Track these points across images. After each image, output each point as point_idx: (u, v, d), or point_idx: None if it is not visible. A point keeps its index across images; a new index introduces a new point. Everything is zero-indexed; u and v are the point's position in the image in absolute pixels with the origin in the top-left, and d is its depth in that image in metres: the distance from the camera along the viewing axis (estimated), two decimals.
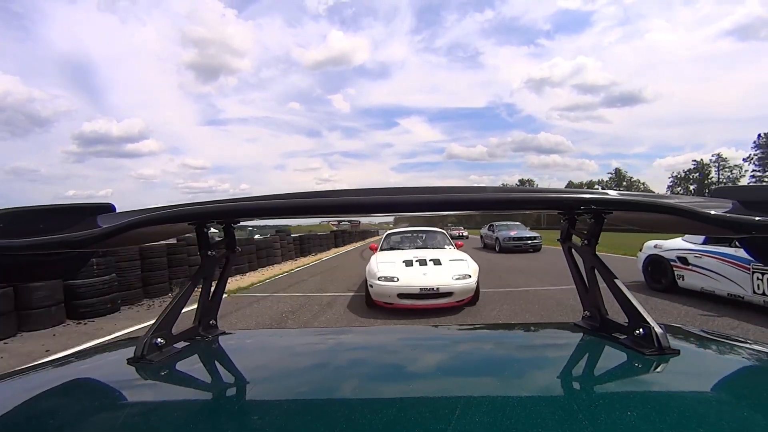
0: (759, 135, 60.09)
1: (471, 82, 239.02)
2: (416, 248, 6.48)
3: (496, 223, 17.01)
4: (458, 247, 6.88)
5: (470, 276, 4.99)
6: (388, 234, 7.36)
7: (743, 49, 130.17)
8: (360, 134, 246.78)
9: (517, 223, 16.91)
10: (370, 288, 5.12)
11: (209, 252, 0.69)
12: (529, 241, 14.46)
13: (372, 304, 5.17)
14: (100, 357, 0.71)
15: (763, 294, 4.37)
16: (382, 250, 6.60)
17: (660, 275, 5.94)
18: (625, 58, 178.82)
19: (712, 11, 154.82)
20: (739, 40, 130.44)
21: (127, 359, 0.57)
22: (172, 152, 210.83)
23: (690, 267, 5.40)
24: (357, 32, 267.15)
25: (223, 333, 0.75)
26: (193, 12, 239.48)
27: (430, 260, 5.35)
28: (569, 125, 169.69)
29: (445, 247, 6.65)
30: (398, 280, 4.90)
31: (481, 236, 18.85)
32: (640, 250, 6.44)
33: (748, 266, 4.54)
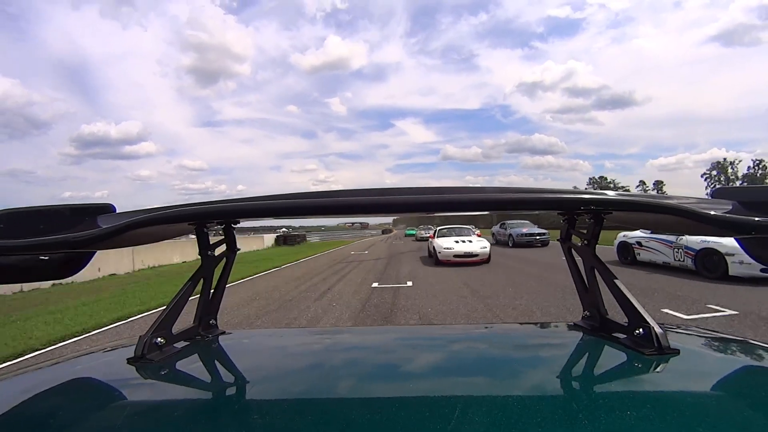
0: (590, 178, 74.72)
1: (466, 84, 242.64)
2: (456, 236, 12.22)
3: (508, 222, 19.85)
4: (479, 235, 13.00)
5: (486, 247, 11.09)
6: (438, 229, 13.48)
7: (729, 54, 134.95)
8: (356, 135, 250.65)
9: (527, 221, 19.55)
10: (438, 254, 11.06)
11: (209, 252, 0.69)
12: (539, 237, 17.32)
13: (438, 263, 11.01)
14: (101, 356, 0.72)
15: (679, 261, 7.85)
16: (437, 237, 12.38)
17: (626, 254, 9.52)
18: (615, 62, 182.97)
19: (697, 17, 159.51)
20: (724, 45, 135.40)
21: (128, 359, 0.57)
22: (169, 154, 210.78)
23: (643, 247, 8.91)
24: (353, 34, 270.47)
25: (223, 333, 0.76)
26: (193, 18, 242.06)
27: (467, 240, 11.48)
28: (562, 127, 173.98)
29: (472, 235, 12.56)
30: (453, 248, 10.89)
31: (493, 234, 21.42)
32: (615, 239, 9.96)
33: (671, 245, 8.01)
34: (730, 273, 6.67)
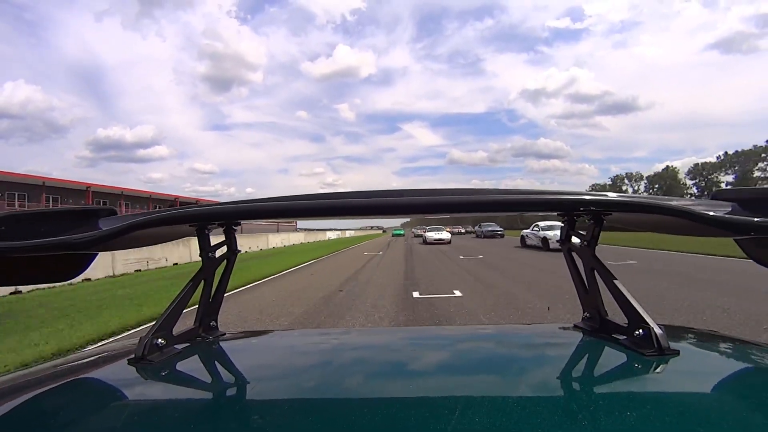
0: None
1: (472, 88, 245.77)
2: (435, 231, 27.72)
3: (483, 223, 33.74)
4: (447, 230, 29.89)
5: (449, 236, 27.40)
6: (427, 227, 31.37)
7: (728, 61, 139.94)
8: (363, 139, 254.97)
9: (493, 222, 33.17)
10: (426, 239, 26.69)
11: (210, 253, 0.70)
12: (498, 232, 30.72)
13: (426, 243, 25.61)
14: (101, 357, 0.72)
15: (537, 243, 16.04)
16: (426, 231, 28.61)
17: (524, 241, 17.74)
18: (616, 68, 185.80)
19: (697, 25, 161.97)
20: (723, 53, 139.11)
21: (128, 360, 0.57)
22: (180, 157, 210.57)
23: (528, 236, 17.12)
24: (361, 40, 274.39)
25: (224, 334, 0.76)
26: (209, 29, 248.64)
27: (440, 232, 27.65)
28: (568, 131, 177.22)
29: (443, 230, 28.45)
30: (433, 236, 26.37)
31: (474, 230, 38.11)
32: (520, 233, 18.31)
33: (536, 236, 16.17)
34: (551, 247, 14.69)
